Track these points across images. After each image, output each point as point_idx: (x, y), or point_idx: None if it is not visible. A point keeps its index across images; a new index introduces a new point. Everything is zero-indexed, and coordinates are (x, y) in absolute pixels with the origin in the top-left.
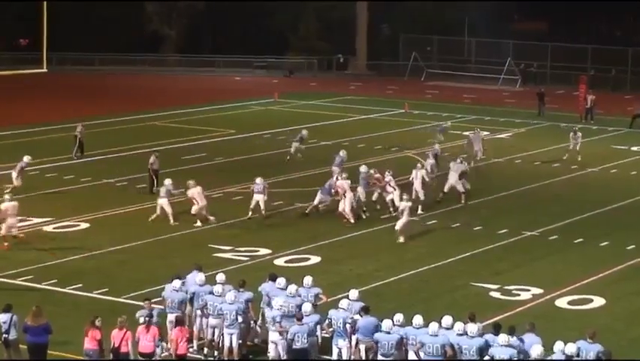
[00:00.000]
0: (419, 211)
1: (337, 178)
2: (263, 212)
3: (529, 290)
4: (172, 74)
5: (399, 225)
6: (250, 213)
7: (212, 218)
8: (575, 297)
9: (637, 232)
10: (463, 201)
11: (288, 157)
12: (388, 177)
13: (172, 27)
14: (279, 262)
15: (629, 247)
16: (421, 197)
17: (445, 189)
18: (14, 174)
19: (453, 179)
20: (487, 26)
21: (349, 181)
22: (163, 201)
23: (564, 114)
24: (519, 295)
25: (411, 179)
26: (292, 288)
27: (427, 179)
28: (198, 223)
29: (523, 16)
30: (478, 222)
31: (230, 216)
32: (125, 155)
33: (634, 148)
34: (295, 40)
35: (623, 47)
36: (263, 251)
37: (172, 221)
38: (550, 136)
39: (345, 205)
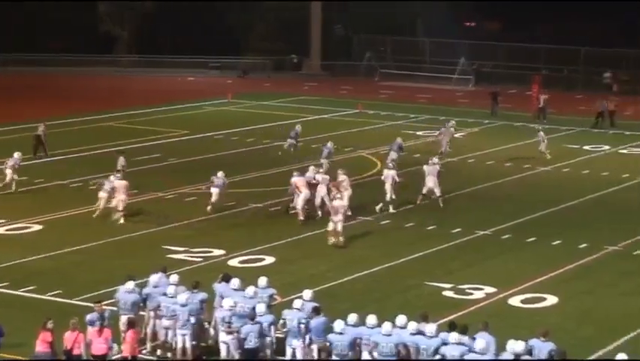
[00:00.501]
0: (391, 210)
1: (315, 173)
2: (210, 205)
3: (482, 289)
4: (126, 74)
5: (336, 226)
6: (209, 208)
7: (118, 215)
8: (528, 296)
9: (589, 230)
10: (441, 205)
11: (280, 152)
12: (342, 177)
13: (124, 27)
14: (234, 262)
15: (581, 246)
16: (393, 196)
17: (424, 192)
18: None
19: (431, 182)
20: (441, 26)
21: (304, 178)
22: (104, 195)
23: (517, 114)
24: (472, 294)
25: (383, 178)
26: (250, 290)
27: (397, 179)
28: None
29: (478, 16)
30: (432, 221)
31: (184, 217)
32: (81, 156)
33: (586, 147)
34: (249, 41)
35: (575, 47)
36: (217, 252)
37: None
38: (503, 135)
39: (298, 202)
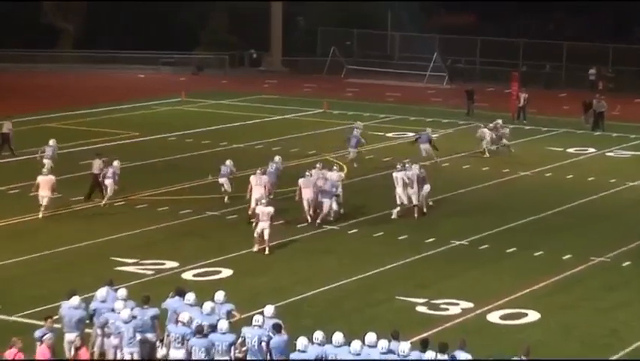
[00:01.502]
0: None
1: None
2: (226, 195)
3: (458, 304)
4: (70, 71)
5: (262, 233)
6: (226, 198)
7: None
8: (508, 311)
9: (574, 240)
10: (415, 216)
11: (210, 176)
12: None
13: (69, 20)
14: (187, 275)
15: (565, 257)
16: (404, 201)
17: (400, 202)
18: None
19: (425, 190)
20: (411, 20)
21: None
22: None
23: (495, 113)
24: (448, 309)
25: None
26: (208, 306)
27: (406, 181)
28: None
29: (451, 8)
30: (403, 231)
31: (134, 225)
32: (20, 160)
33: (570, 150)
34: (204, 35)
35: (556, 41)
36: (169, 264)
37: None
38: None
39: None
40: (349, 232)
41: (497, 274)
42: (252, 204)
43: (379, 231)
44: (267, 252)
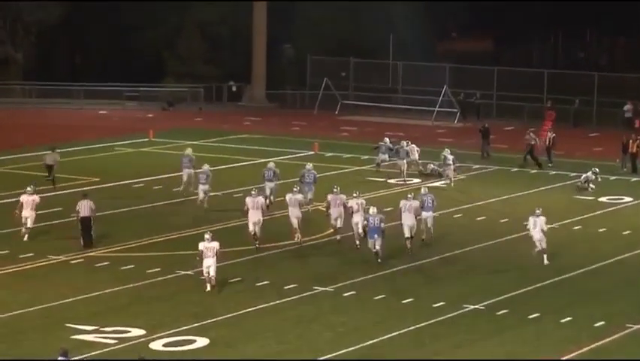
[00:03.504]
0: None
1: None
2: (269, 201)
3: None
4: (18, 107)
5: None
6: (268, 201)
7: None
8: None
9: (607, 304)
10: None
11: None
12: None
13: (17, 47)
14: (156, 345)
15: (597, 324)
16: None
17: (408, 235)
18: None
19: (409, 220)
20: (417, 46)
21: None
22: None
23: (514, 155)
24: None
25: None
26: None
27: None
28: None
29: (464, 33)
30: (407, 293)
31: (92, 287)
32: None
33: (602, 199)
34: (174, 64)
35: (587, 72)
36: (135, 332)
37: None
38: (497, 183)
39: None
40: (345, 295)
41: (519, 343)
42: (251, 227)
43: (380, 293)
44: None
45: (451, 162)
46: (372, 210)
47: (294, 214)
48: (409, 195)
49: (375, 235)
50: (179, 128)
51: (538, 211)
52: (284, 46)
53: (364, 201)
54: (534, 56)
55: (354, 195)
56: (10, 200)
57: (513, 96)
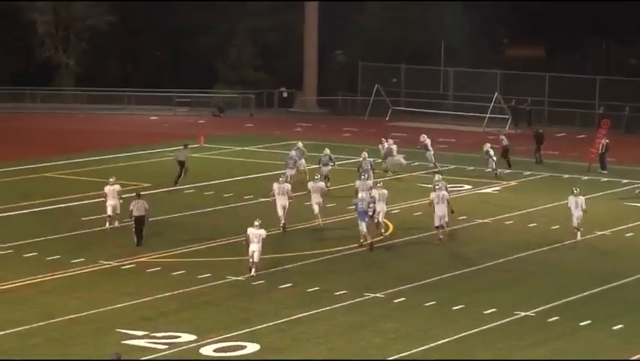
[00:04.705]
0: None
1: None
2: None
3: None
4: (70, 112)
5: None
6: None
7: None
8: None
9: None
10: (440, 237)
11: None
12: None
13: (69, 53)
14: (207, 350)
15: None
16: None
17: (437, 223)
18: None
19: (441, 210)
20: (469, 52)
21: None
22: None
23: (566, 163)
24: None
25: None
26: None
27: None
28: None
29: (515, 39)
30: (459, 299)
31: (143, 293)
32: (9, 216)
33: None
34: (225, 70)
35: (638, 79)
36: (186, 337)
37: None
38: (549, 190)
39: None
40: (395, 301)
41: (570, 351)
42: (279, 212)
43: (430, 300)
44: (252, 273)
45: (493, 156)
46: (361, 194)
47: (316, 200)
48: (437, 185)
49: (366, 219)
50: (229, 135)
51: (576, 191)
52: (335, 52)
53: (386, 192)
54: (586, 62)
55: (379, 184)
56: (63, 205)
57: (564, 103)
